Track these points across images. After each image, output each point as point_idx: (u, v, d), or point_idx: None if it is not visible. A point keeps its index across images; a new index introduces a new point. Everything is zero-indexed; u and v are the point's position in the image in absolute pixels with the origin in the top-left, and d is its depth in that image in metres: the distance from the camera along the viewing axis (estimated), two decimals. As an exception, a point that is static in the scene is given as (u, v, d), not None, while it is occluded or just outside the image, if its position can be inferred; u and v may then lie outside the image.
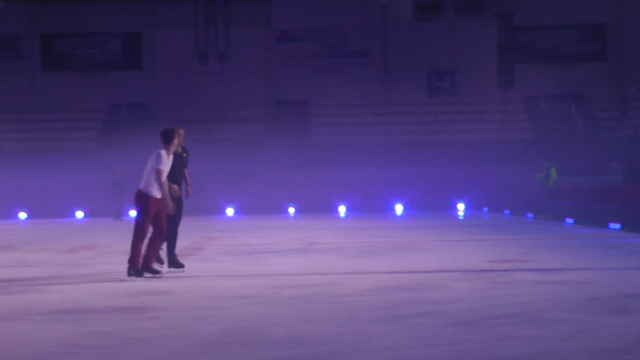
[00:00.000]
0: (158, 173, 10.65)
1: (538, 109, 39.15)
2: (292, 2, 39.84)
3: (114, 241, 18.37)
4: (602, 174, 31.66)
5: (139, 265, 10.69)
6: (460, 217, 28.08)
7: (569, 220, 22.51)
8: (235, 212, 32.17)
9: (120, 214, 30.03)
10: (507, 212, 28.14)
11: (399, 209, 31.60)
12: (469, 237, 17.63)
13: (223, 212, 32.27)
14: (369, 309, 7.99)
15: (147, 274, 10.72)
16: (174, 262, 11.49)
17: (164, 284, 10.18)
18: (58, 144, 37.67)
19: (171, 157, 10.97)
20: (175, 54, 40.47)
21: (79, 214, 32.48)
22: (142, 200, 10.76)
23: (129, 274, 10.65)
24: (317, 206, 32.67)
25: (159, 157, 10.71)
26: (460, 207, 31.73)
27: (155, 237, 10.89)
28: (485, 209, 30.98)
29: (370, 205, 32.49)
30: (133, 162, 33.03)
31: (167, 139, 10.90)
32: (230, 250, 15.47)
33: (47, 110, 39.92)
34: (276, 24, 40.23)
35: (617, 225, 19.61)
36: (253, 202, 33.03)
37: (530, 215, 25.42)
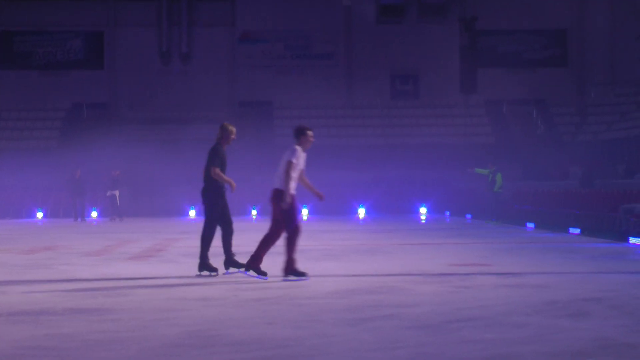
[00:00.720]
0: (289, 165, 10.45)
1: (500, 113, 39.49)
2: (256, 3, 39.78)
3: (74, 242, 18.19)
4: (563, 178, 31.98)
5: (295, 266, 10.61)
6: (423, 221, 28.19)
7: (530, 225, 22.70)
8: (197, 214, 32.01)
9: (80, 214, 29.78)
10: (469, 215, 28.30)
11: (361, 212, 31.67)
12: (431, 240, 17.63)
13: (186, 213, 32.10)
14: (331, 311, 8.00)
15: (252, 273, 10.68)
16: (208, 266, 11.35)
17: (125, 286, 10.10)
18: (18, 144, 37.25)
19: (304, 154, 10.78)
20: (137, 54, 40.21)
21: (39, 215, 32.12)
22: (274, 196, 10.56)
23: (287, 276, 10.53)
24: (279, 208, 32.45)
25: (294, 152, 10.56)
26: (423, 210, 31.88)
27: (272, 237, 10.76)
28: (448, 212, 31.14)
29: (333, 208, 32.40)
30: (94, 162, 32.89)
31: (297, 135, 10.76)
32: (192, 252, 15.36)
33: (6, 109, 39.43)
34: (240, 25, 40.14)
35: (577, 230, 19.82)
36: (215, 204, 32.88)
37: (493, 219, 25.56)
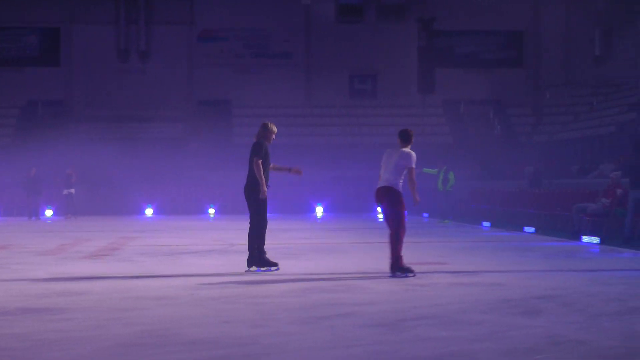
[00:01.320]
0: (412, 172, 10.97)
1: (457, 113, 39.75)
2: (215, 2, 39.59)
3: (29, 241, 17.97)
4: (519, 178, 32.27)
5: (403, 262, 10.83)
6: (381, 220, 28.25)
7: (486, 224, 22.90)
8: (154, 212, 31.80)
9: (35, 213, 29.43)
10: (425, 215, 28.43)
11: (319, 211, 31.69)
12: (388, 239, 17.67)
13: (142, 212, 31.87)
14: (288, 310, 8.01)
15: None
16: (268, 261, 11.50)
17: (79, 285, 9.99)
18: (-29, 141, 36.66)
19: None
20: (94, 51, 39.78)
21: (-7, 213, 31.68)
22: (397, 196, 10.92)
23: (395, 274, 10.76)
24: (237, 207, 32.21)
25: (412, 157, 10.99)
26: (380, 209, 31.83)
27: (399, 233, 11.00)
28: (405, 211, 31.20)
29: (291, 207, 32.35)
30: (50, 160, 32.50)
31: (408, 138, 11.20)
32: (148, 250, 15.27)
33: (-41, 105, 38.81)
34: (199, 23, 39.93)
35: (531, 229, 20.03)
36: (173, 203, 32.72)
37: (450, 217, 25.69)
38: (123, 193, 32.73)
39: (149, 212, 31.76)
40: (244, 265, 12.32)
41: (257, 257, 11.47)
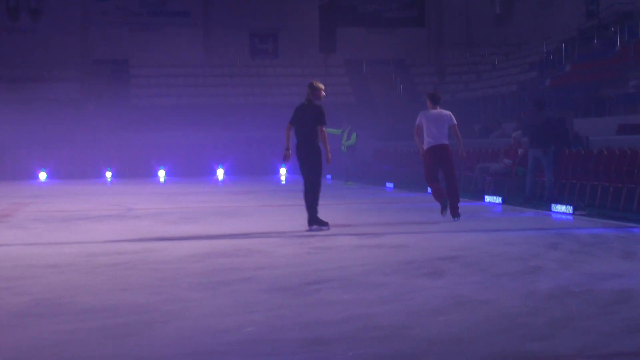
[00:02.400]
0: (456, 128, 13.07)
1: (360, 73, 39.77)
2: (111, -42, 38.32)
3: None
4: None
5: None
6: (283, 182, 28.15)
7: (389, 185, 22.95)
8: (48, 177, 30.85)
9: None
10: (329, 177, 28.41)
11: (220, 173, 31.31)
12: (291, 202, 17.32)
13: (36, 176, 30.89)
14: (188, 276, 7.85)
15: None
16: (319, 220, 11.69)
17: (-32, 253, 9.55)
18: None
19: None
20: (-18, 9, 38.13)
21: None
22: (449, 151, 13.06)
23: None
24: (135, 171, 31.76)
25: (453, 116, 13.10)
26: (283, 171, 31.73)
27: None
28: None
29: (192, 170, 31.80)
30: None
31: (439, 100, 13.19)
32: (42, 216, 14.79)
33: None
34: (93, -20, 38.67)
35: (434, 189, 20.15)
36: (68, 166, 31.78)
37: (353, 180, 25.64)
38: (15, 157, 31.65)
39: (42, 176, 30.78)
40: (142, 231, 12.01)
41: (315, 216, 11.61)
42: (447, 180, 13.06)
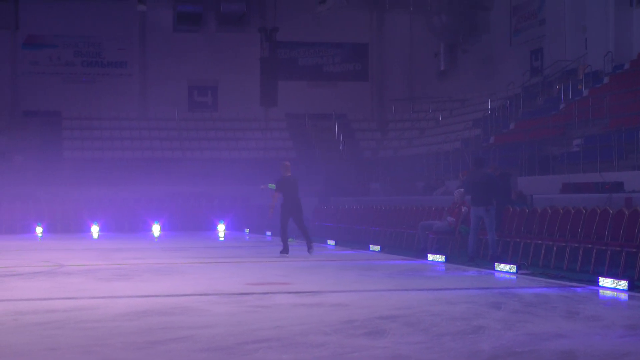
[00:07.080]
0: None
1: (301, 128, 39.00)
2: (43, 6, 37.12)
3: None
4: (364, 194, 31.81)
5: None
6: (221, 238, 27.17)
7: (331, 242, 22.32)
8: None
9: None
10: (269, 233, 27.47)
11: (156, 229, 29.99)
12: (229, 259, 17.31)
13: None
14: (121, 335, 7.69)
15: None
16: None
17: None
18: None
19: None
20: None
21: None
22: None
23: None
24: (67, 226, 30.87)
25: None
26: (221, 227, 30.66)
27: None
28: (247, 229, 30.15)
29: (127, 225, 31.07)
30: None
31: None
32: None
33: None
34: (24, 28, 37.36)
35: (377, 247, 19.69)
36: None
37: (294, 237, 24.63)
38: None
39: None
40: (73, 288, 11.52)
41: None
42: None
